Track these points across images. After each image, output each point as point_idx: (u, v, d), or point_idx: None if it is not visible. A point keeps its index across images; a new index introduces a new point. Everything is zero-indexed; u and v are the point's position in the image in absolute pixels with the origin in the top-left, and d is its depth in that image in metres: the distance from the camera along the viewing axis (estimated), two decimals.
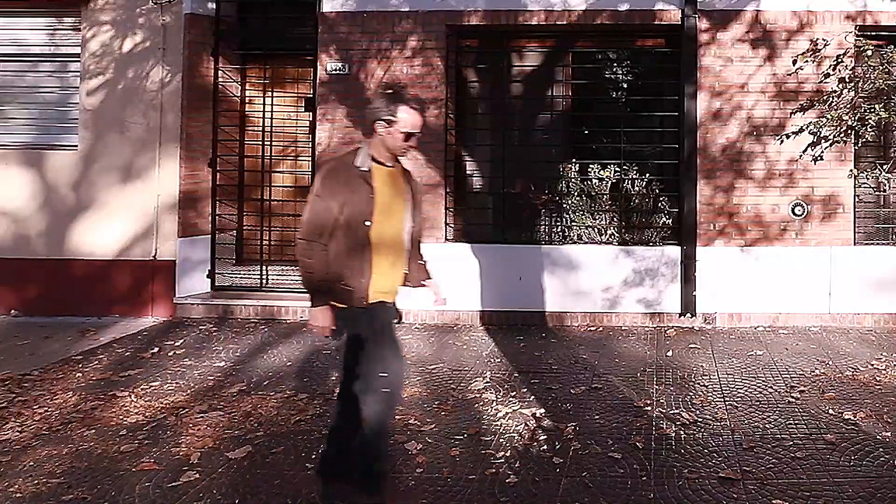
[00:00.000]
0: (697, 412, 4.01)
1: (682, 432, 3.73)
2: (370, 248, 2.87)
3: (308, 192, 2.93)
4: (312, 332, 2.91)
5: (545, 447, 3.57)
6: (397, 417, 3.98)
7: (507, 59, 6.69)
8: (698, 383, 4.54)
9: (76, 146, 6.60)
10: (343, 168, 2.88)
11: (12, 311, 6.50)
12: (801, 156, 5.75)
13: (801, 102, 5.80)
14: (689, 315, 6.07)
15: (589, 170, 6.44)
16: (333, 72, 6.39)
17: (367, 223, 2.84)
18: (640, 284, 6.16)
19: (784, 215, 6.10)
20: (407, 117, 2.87)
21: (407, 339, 5.72)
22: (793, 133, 5.82)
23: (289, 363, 5.06)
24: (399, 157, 2.99)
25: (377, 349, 2.91)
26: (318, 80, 6.45)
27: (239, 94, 7.03)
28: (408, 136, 2.89)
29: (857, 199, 6.16)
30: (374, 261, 2.88)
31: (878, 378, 4.58)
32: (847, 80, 5.43)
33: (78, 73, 6.69)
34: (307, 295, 2.90)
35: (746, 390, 4.38)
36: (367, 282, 2.87)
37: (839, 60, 5.59)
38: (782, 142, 5.94)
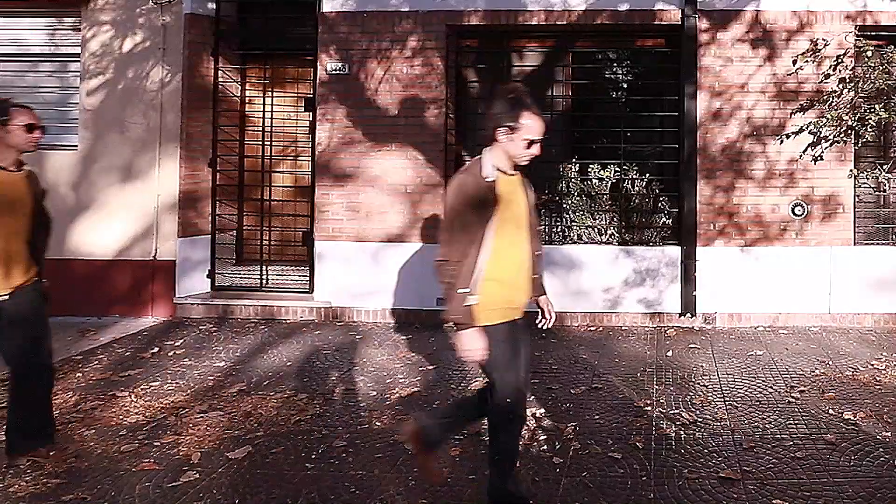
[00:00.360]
0: (697, 412, 4.01)
1: (682, 432, 3.73)
2: (500, 261, 2.75)
3: (444, 211, 2.81)
4: (466, 358, 2.76)
5: (545, 447, 3.57)
6: (397, 417, 3.98)
7: (507, 59, 6.69)
8: (698, 383, 4.54)
9: (76, 146, 6.60)
10: (472, 180, 2.75)
11: None
12: (801, 156, 5.76)
13: (801, 102, 5.81)
14: (689, 315, 6.07)
15: (589, 170, 6.44)
16: (333, 72, 6.39)
17: (496, 236, 2.72)
18: (640, 284, 6.16)
19: (784, 215, 6.10)
20: (530, 123, 2.73)
21: (407, 339, 5.72)
22: (793, 133, 5.84)
23: (289, 363, 5.06)
24: (518, 166, 2.86)
25: (512, 363, 2.81)
26: (318, 80, 6.45)
27: (239, 94, 7.03)
28: (531, 143, 2.75)
29: (857, 199, 6.16)
30: (504, 274, 2.77)
31: (878, 378, 4.58)
32: (847, 80, 5.44)
33: (78, 73, 6.69)
34: (453, 316, 2.71)
35: (746, 390, 4.38)
36: (500, 297, 2.77)
37: (839, 60, 5.59)
38: (782, 142, 5.96)
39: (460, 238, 2.67)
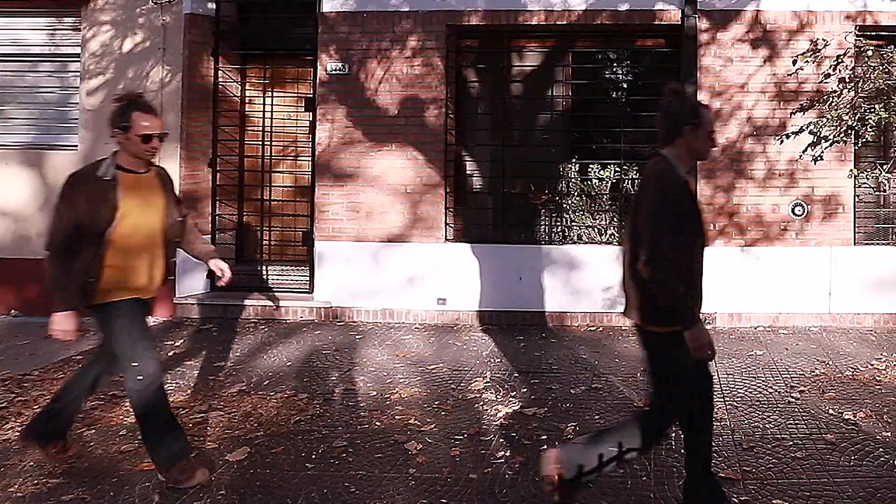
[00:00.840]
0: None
1: (681, 432, 3.72)
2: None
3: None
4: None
5: (545, 447, 3.57)
6: (397, 417, 3.98)
7: (507, 59, 6.69)
8: None
9: (76, 146, 6.60)
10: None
11: (12, 311, 6.50)
12: (801, 156, 5.76)
13: (801, 102, 5.81)
14: None
15: (589, 170, 6.44)
16: (333, 72, 6.39)
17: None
18: None
19: (784, 215, 6.10)
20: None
21: (407, 339, 5.72)
22: (793, 133, 5.83)
23: (289, 363, 5.06)
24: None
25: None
26: (318, 80, 6.45)
27: (239, 94, 7.03)
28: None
29: (857, 199, 6.16)
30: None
31: (878, 378, 4.58)
32: (847, 80, 5.44)
33: (78, 73, 6.69)
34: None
35: (746, 390, 4.38)
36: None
37: (839, 60, 5.59)
38: (782, 142, 5.95)
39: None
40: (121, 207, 2.98)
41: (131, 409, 3.22)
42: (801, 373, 4.71)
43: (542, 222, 6.52)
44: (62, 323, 3.01)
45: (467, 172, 6.75)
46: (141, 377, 3.05)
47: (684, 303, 2.64)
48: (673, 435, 3.69)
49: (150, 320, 6.31)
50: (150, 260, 3.18)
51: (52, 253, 2.98)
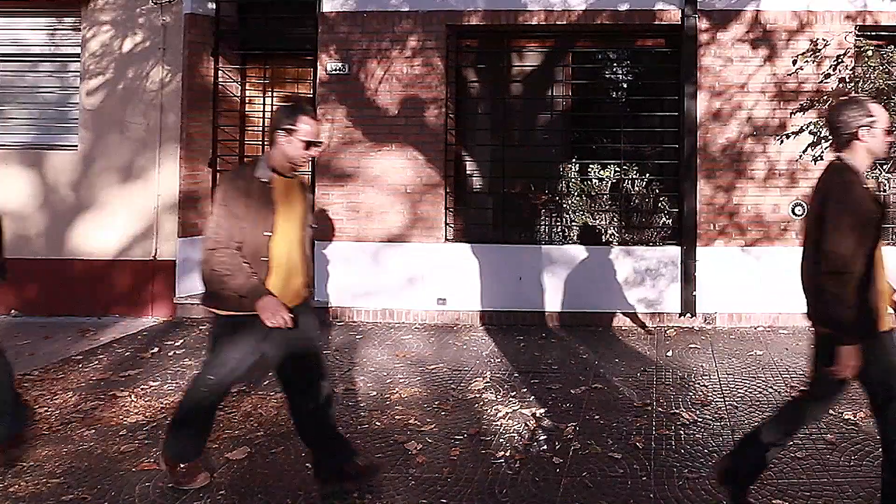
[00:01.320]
0: (697, 412, 4.01)
1: (682, 432, 3.73)
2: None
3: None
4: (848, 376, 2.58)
5: (545, 447, 3.57)
6: (397, 417, 3.98)
7: (507, 59, 6.69)
8: (698, 383, 4.54)
9: (76, 146, 6.60)
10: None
11: (12, 311, 6.51)
12: (801, 156, 5.76)
13: (801, 102, 5.80)
14: (689, 315, 6.07)
15: (589, 170, 6.44)
16: (333, 72, 6.39)
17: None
18: (641, 284, 6.16)
19: (784, 215, 6.10)
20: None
21: (407, 339, 5.72)
22: (793, 133, 5.83)
23: None
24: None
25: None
26: (318, 80, 6.45)
27: (239, 94, 7.03)
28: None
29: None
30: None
31: None
32: (847, 80, 5.44)
33: (78, 73, 6.69)
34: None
35: (746, 390, 4.38)
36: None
37: (839, 60, 5.59)
38: (782, 142, 5.95)
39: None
40: (277, 211, 2.89)
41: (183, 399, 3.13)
42: (801, 373, 4.70)
43: (542, 222, 6.52)
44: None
45: (467, 172, 6.76)
46: (213, 377, 2.98)
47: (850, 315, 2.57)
48: (673, 434, 3.69)
49: (150, 320, 6.36)
50: (294, 267, 3.01)
51: (216, 251, 2.86)
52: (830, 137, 2.80)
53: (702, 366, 4.92)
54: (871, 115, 2.70)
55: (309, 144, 2.90)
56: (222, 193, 2.89)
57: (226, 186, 2.91)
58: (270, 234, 2.87)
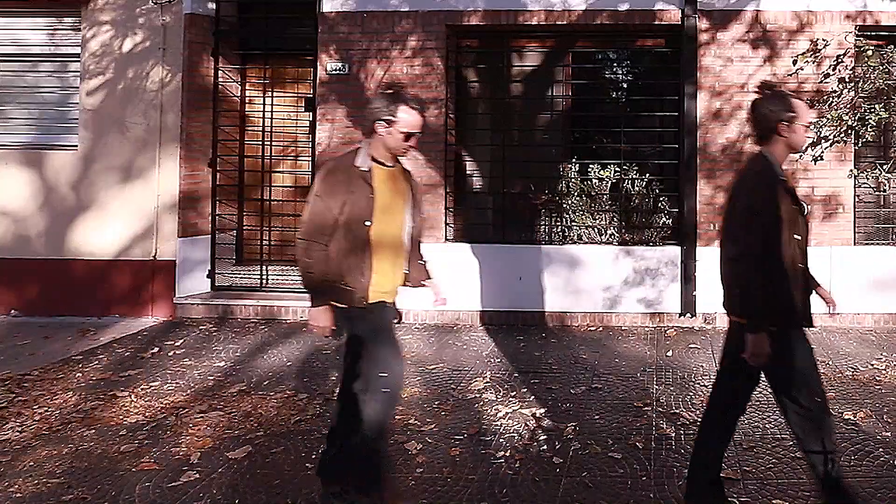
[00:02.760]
0: (697, 412, 4.01)
1: (682, 432, 3.73)
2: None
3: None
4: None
5: (545, 447, 3.57)
6: (397, 417, 3.98)
7: (507, 59, 6.69)
8: (698, 383, 4.54)
9: (76, 146, 6.60)
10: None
11: (12, 311, 6.50)
12: (801, 156, 5.76)
13: None
14: (689, 315, 6.07)
15: (589, 170, 6.44)
16: (333, 72, 6.39)
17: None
18: (641, 284, 6.16)
19: None
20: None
21: (407, 339, 5.72)
22: None
23: (289, 363, 5.06)
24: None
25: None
26: (318, 80, 6.45)
27: (239, 94, 7.03)
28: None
29: (857, 199, 6.16)
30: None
31: (878, 378, 4.58)
32: (847, 80, 5.44)
33: (78, 73, 6.69)
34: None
35: None
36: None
37: (839, 60, 5.59)
38: None
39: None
40: (376, 201, 2.85)
41: (357, 417, 2.88)
42: None
43: (542, 222, 6.52)
44: (318, 317, 2.85)
45: (467, 172, 6.75)
46: (388, 389, 2.88)
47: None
48: (673, 434, 3.69)
49: (150, 320, 6.36)
50: (395, 261, 2.96)
51: (304, 242, 2.83)
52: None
53: (702, 366, 4.92)
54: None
55: (409, 136, 2.87)
56: (319, 184, 2.84)
57: (323, 176, 2.86)
58: (370, 223, 2.82)
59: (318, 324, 2.86)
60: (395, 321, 3.04)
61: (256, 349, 5.42)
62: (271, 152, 6.93)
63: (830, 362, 4.94)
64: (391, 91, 2.91)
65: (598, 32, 6.52)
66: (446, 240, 6.36)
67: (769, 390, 4.31)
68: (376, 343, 2.90)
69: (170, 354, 5.30)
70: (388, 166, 2.93)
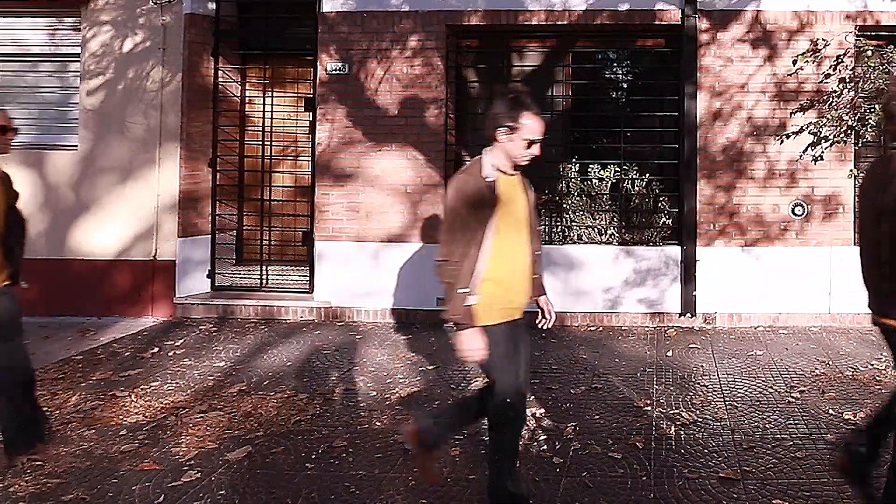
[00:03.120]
0: (697, 412, 4.01)
1: (682, 432, 3.73)
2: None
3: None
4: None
5: (545, 447, 3.57)
6: (397, 418, 3.98)
7: (507, 59, 6.69)
8: (698, 383, 4.54)
9: (76, 146, 6.60)
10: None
11: None
12: (801, 156, 5.77)
13: (801, 102, 5.82)
14: (689, 315, 6.07)
15: (589, 170, 6.44)
16: (333, 72, 6.39)
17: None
18: (641, 284, 6.16)
19: (784, 215, 6.10)
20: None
21: (407, 339, 5.72)
22: (793, 133, 5.84)
23: (289, 363, 5.06)
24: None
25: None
26: (318, 80, 6.45)
27: (239, 94, 7.03)
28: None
29: (857, 199, 6.15)
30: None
31: (878, 378, 4.58)
32: (847, 80, 5.44)
33: (78, 73, 6.69)
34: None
35: (746, 390, 4.38)
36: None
37: (839, 60, 5.60)
38: (782, 142, 5.96)
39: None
40: (503, 212, 2.73)
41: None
42: (801, 373, 4.71)
43: (542, 222, 6.52)
44: (471, 342, 2.67)
45: None
46: (513, 414, 2.79)
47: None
48: (673, 434, 3.69)
49: (150, 320, 6.36)
50: (521, 272, 2.84)
51: (447, 262, 2.67)
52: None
53: (702, 366, 4.92)
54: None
55: (532, 143, 2.76)
56: (453, 199, 2.69)
57: (456, 191, 2.71)
58: (498, 235, 2.70)
59: (471, 348, 2.66)
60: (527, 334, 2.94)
61: (256, 349, 5.42)
62: (271, 152, 6.93)
63: (830, 362, 4.94)
64: (513, 96, 2.79)
65: (598, 32, 6.52)
66: None
67: (769, 390, 4.35)
68: (509, 359, 2.79)
69: (170, 354, 5.30)
70: (510, 175, 2.82)
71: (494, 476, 2.83)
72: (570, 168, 6.48)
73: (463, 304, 2.66)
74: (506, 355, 2.76)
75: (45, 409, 4.12)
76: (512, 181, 2.84)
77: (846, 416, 3.89)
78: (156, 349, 5.43)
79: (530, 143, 2.76)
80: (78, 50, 6.69)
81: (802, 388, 4.38)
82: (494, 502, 2.85)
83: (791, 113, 5.88)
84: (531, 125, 2.75)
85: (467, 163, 2.86)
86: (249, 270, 6.85)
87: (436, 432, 2.90)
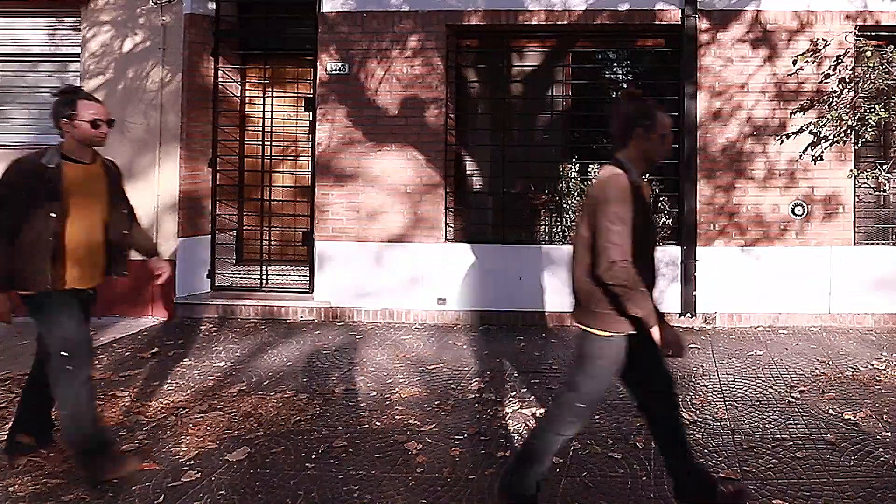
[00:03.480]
0: (697, 412, 4.01)
1: None
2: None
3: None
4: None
5: None
6: (397, 418, 3.98)
7: (507, 59, 6.69)
8: (698, 383, 4.54)
9: None
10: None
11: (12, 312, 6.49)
12: (801, 156, 5.77)
13: (801, 102, 5.82)
14: (689, 315, 6.07)
15: (589, 170, 6.44)
16: (333, 72, 6.39)
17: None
18: None
19: (784, 215, 6.10)
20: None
21: (407, 339, 5.73)
22: (793, 133, 5.84)
23: (289, 363, 5.06)
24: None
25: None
26: (318, 80, 6.45)
27: (239, 94, 7.03)
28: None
29: (857, 199, 6.16)
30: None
31: (878, 378, 4.58)
32: (847, 80, 5.45)
33: (78, 73, 6.69)
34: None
35: (746, 390, 4.38)
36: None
37: (839, 60, 5.60)
38: (782, 142, 5.96)
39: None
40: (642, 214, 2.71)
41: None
42: (801, 373, 4.71)
43: (542, 222, 6.52)
44: (676, 339, 2.62)
45: (467, 172, 6.76)
46: (583, 405, 2.74)
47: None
48: None
49: (150, 320, 6.36)
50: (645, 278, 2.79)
51: (628, 264, 2.56)
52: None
53: (702, 366, 4.92)
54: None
55: (664, 138, 2.78)
56: (618, 203, 2.59)
57: (619, 192, 2.62)
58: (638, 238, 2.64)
59: (681, 344, 2.60)
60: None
61: (256, 349, 5.42)
62: (271, 152, 6.94)
63: (830, 362, 4.94)
64: (640, 99, 2.84)
65: (598, 32, 6.52)
66: (446, 240, 6.36)
67: (769, 390, 4.35)
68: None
69: (170, 354, 5.30)
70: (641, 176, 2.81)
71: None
72: (570, 168, 6.48)
73: (649, 303, 2.60)
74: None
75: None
76: (641, 183, 2.81)
77: (846, 416, 3.89)
78: (156, 349, 5.43)
79: (663, 139, 2.79)
80: (78, 50, 6.70)
81: (802, 388, 4.38)
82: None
83: (791, 113, 5.88)
84: (666, 121, 2.80)
85: (606, 166, 2.76)
86: (249, 270, 6.86)
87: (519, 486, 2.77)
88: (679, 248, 6.14)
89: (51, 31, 6.85)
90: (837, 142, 5.57)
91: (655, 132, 2.76)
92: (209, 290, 6.65)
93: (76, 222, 3.24)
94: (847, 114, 5.31)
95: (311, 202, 6.55)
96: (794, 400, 4.19)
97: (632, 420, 3.91)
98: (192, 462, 3.41)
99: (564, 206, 6.45)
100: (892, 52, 5.09)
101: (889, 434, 3.65)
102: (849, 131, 5.44)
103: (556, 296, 6.19)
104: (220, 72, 6.71)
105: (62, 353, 3.13)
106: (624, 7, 6.19)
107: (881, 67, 5.17)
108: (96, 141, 3.41)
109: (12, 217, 3.13)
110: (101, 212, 3.41)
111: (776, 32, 6.11)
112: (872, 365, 4.86)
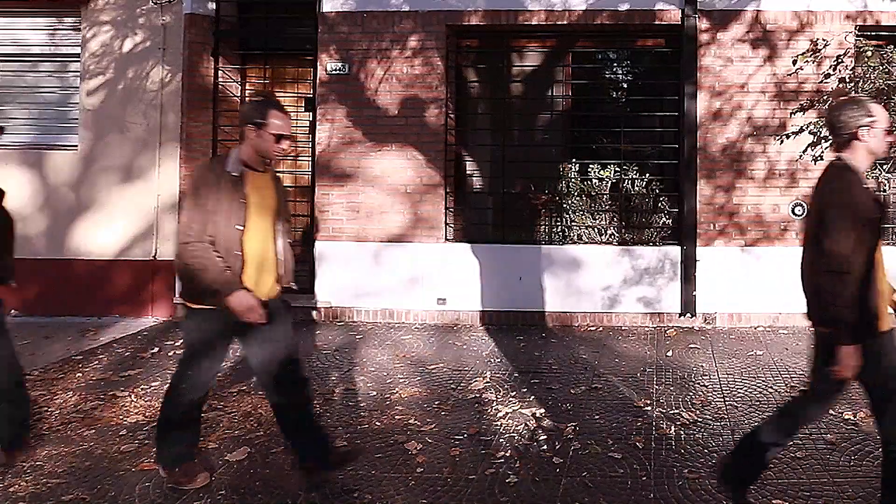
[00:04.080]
0: (697, 412, 4.01)
1: (682, 432, 3.73)
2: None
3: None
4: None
5: (545, 447, 3.57)
6: (397, 418, 3.98)
7: (507, 59, 6.69)
8: (698, 383, 4.54)
9: (76, 146, 6.60)
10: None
11: (12, 312, 6.50)
12: (801, 156, 5.76)
13: (801, 102, 5.81)
14: (689, 315, 6.07)
15: (589, 170, 6.44)
16: (333, 72, 6.39)
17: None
18: (641, 284, 6.16)
19: (784, 215, 6.10)
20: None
21: (407, 339, 5.72)
22: (793, 133, 5.83)
23: None
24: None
25: None
26: (318, 80, 6.45)
27: (239, 94, 7.03)
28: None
29: None
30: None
31: None
32: (847, 80, 5.44)
33: (78, 73, 6.69)
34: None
35: (746, 390, 4.38)
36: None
37: (839, 60, 5.59)
38: (782, 142, 5.96)
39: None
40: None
41: None
42: (801, 373, 4.70)
43: (542, 222, 6.52)
44: (851, 358, 2.49)
45: (467, 172, 6.75)
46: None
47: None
48: (673, 434, 3.69)
49: (150, 320, 6.36)
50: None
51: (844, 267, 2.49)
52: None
53: (702, 366, 4.92)
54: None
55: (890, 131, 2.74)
56: (853, 205, 2.55)
57: (856, 191, 2.61)
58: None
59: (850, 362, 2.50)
60: None
61: None
62: None
63: None
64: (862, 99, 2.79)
65: (598, 32, 6.52)
66: (446, 240, 6.36)
67: (769, 390, 4.35)
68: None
69: (170, 354, 5.30)
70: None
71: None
72: (570, 168, 6.48)
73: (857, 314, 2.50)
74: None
75: (45, 408, 4.13)
76: None
77: (846, 416, 3.89)
78: (156, 349, 5.43)
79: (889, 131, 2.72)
80: (78, 50, 6.70)
81: (803, 388, 4.37)
82: None
83: (791, 113, 5.88)
84: (883, 117, 2.72)
85: (835, 164, 2.75)
86: None
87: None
88: (679, 247, 6.14)
89: (51, 31, 6.85)
90: None
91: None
92: None
93: (252, 232, 3.10)
94: None
95: (310, 202, 6.55)
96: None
97: (632, 420, 3.91)
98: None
99: (564, 206, 6.45)
100: (892, 52, 5.09)
101: None
102: None
103: (557, 296, 6.20)
104: (220, 72, 6.71)
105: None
106: (624, 7, 6.19)
107: (881, 67, 5.16)
108: (272, 155, 3.24)
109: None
110: (273, 222, 3.25)
111: (776, 32, 6.11)
112: None
